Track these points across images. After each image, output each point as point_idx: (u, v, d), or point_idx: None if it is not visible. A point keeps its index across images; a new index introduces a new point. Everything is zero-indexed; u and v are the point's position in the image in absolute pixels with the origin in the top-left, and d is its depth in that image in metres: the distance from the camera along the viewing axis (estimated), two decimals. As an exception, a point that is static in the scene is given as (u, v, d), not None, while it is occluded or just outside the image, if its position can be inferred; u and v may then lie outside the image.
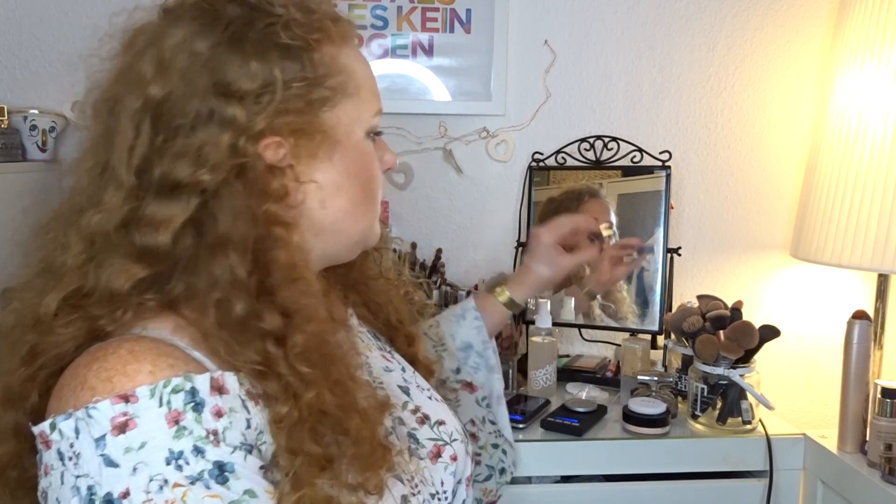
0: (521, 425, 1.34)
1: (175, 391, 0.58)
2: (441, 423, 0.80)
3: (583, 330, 1.71)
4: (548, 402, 1.44)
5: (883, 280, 1.51)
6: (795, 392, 1.81)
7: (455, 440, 0.80)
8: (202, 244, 0.64)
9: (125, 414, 0.56)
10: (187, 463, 0.56)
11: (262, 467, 0.60)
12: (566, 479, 1.35)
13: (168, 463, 0.56)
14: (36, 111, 1.55)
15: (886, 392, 1.28)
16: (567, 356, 1.71)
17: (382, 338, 0.91)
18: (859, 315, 1.36)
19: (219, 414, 0.59)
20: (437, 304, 1.02)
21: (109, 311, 0.63)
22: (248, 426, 0.61)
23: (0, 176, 1.42)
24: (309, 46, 0.68)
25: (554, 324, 1.56)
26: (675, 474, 1.35)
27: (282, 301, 0.64)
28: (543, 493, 1.34)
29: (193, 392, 0.58)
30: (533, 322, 1.59)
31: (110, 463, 0.56)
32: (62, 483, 0.57)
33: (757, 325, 1.35)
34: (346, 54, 0.72)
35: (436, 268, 1.67)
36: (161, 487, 0.55)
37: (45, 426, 0.58)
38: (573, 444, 1.32)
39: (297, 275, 0.66)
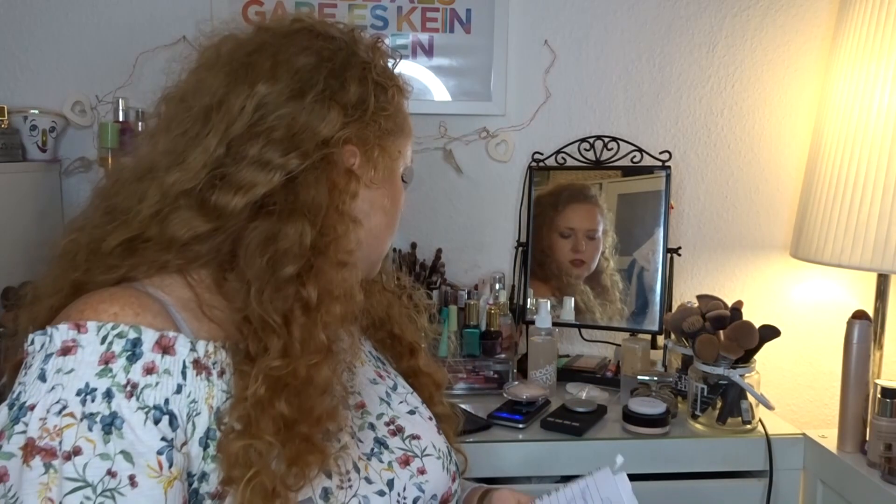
0: (520, 425, 1.34)
1: (120, 336, 0.62)
2: (415, 437, 0.82)
3: (583, 330, 1.71)
4: (548, 402, 1.44)
5: (883, 280, 1.51)
6: (795, 392, 1.81)
7: (428, 455, 0.81)
8: (275, 212, 0.69)
9: (74, 341, 0.62)
10: (93, 400, 0.60)
11: (159, 451, 0.61)
12: (566, 479, 1.35)
13: (78, 394, 0.60)
14: (36, 111, 1.55)
15: (886, 392, 1.28)
16: (567, 356, 1.71)
17: (383, 356, 0.94)
18: (859, 315, 1.36)
19: (150, 371, 0.62)
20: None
21: (155, 258, 0.69)
22: (179, 391, 0.63)
23: (0, 176, 1.42)
24: (389, 86, 0.80)
25: (554, 324, 1.56)
26: (675, 474, 1.35)
27: (325, 282, 0.70)
28: (543, 493, 1.33)
29: (136, 342, 0.62)
30: (533, 322, 1.59)
31: (42, 377, 0.61)
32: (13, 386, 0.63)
33: (757, 325, 1.35)
34: (405, 104, 0.85)
35: (436, 268, 1.67)
36: (59, 412, 0.59)
37: (28, 338, 0.64)
38: (573, 444, 1.32)
39: (351, 261, 0.73)
